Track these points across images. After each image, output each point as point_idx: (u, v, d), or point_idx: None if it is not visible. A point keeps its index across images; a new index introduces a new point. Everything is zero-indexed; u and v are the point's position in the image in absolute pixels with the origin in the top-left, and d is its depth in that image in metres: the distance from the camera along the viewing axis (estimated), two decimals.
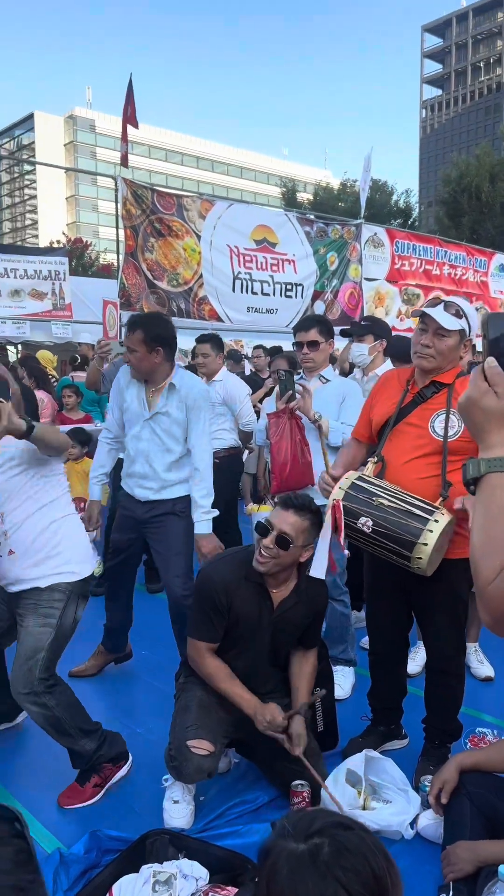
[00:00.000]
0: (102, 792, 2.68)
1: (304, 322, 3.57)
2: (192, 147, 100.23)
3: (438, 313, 2.51)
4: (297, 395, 3.37)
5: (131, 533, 3.47)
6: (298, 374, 3.66)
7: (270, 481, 3.58)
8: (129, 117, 7.57)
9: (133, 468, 3.42)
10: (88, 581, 2.72)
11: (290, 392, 3.39)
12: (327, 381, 3.53)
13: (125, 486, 3.50)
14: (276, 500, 2.86)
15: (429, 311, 2.53)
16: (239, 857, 2.18)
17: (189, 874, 2.07)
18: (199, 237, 7.80)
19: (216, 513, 3.40)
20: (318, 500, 2.74)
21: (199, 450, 3.34)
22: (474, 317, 2.59)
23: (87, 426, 5.88)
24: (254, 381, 7.43)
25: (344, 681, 3.48)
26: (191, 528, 3.40)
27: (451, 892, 2.04)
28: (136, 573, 3.67)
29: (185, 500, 3.38)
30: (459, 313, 2.55)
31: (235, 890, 2.04)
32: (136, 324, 3.23)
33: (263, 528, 2.51)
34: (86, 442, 5.27)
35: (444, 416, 2.55)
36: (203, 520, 3.34)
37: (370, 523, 2.43)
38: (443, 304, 2.58)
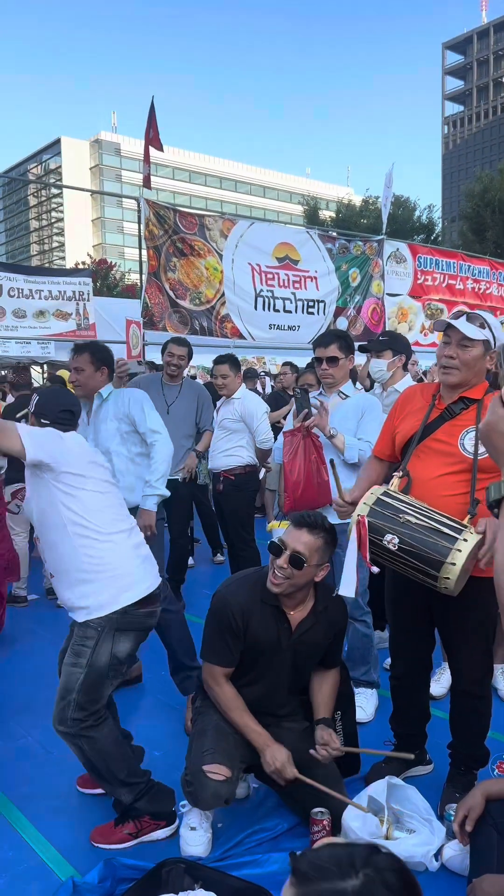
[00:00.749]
0: (134, 842, 2.50)
1: (323, 338, 3.54)
2: (216, 168, 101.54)
3: (462, 324, 2.50)
4: (314, 413, 3.34)
5: None
6: (318, 391, 3.63)
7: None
8: (153, 139, 7.65)
9: None
10: (136, 611, 2.49)
11: (306, 410, 3.36)
12: (346, 396, 3.50)
13: None
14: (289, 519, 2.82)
15: (452, 321, 2.52)
16: (256, 888, 2.12)
17: None
18: (220, 256, 7.84)
19: (166, 493, 3.56)
20: (333, 520, 2.68)
21: (155, 439, 3.55)
22: (499, 328, 2.59)
23: None
24: (281, 398, 7.41)
25: (366, 703, 3.40)
26: (160, 525, 3.62)
27: None
28: None
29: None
30: (483, 324, 2.55)
31: None
32: (84, 347, 3.57)
33: (277, 548, 2.47)
34: None
35: (475, 432, 2.50)
36: (148, 495, 3.52)
37: (396, 541, 2.37)
38: (466, 315, 2.58)
